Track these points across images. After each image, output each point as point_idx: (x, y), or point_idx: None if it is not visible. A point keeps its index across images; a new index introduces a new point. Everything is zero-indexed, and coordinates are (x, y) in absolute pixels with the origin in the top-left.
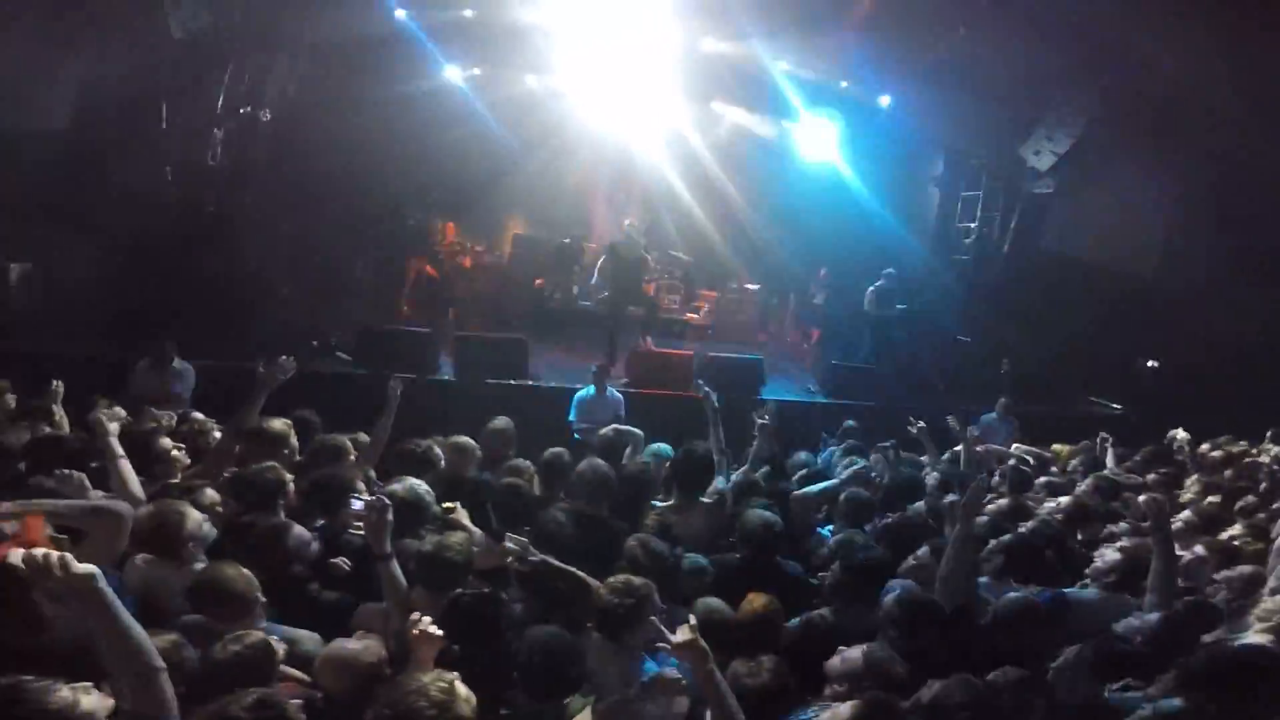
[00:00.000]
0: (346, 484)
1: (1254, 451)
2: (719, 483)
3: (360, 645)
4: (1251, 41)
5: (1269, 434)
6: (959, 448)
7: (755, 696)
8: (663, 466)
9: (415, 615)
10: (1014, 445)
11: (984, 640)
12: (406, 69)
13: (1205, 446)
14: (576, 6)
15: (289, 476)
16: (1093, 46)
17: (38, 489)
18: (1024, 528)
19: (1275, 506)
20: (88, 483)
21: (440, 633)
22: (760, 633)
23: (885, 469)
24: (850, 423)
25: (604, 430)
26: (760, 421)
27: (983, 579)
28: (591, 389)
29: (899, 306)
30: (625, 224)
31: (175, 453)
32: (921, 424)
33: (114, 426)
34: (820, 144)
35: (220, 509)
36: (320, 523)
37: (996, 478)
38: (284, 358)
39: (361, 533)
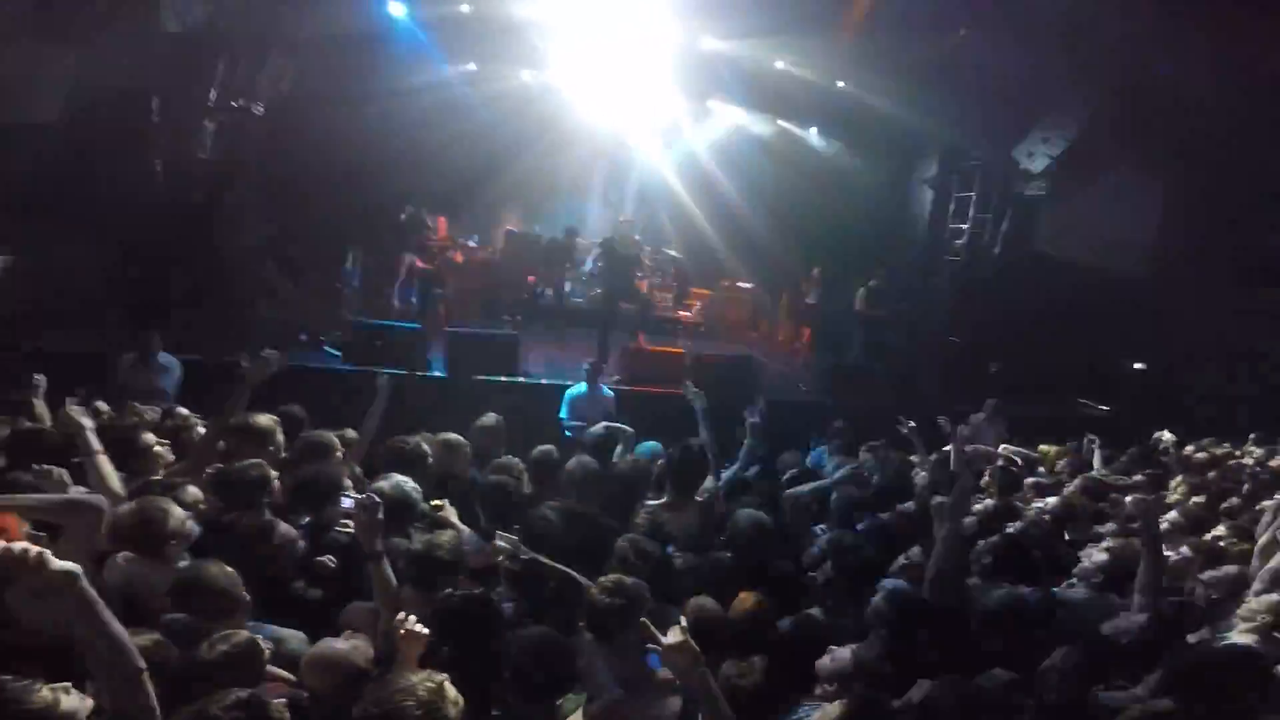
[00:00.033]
0: (333, 481)
1: (1238, 454)
2: (709, 482)
3: (348, 645)
4: (1244, 45)
5: (1252, 437)
6: (948, 448)
7: (746, 697)
8: (653, 464)
9: (401, 614)
10: (1002, 446)
11: (973, 640)
12: (400, 64)
13: (1190, 448)
14: (573, 2)
15: (274, 473)
16: (1088, 50)
17: (16, 484)
18: (1012, 528)
19: (1259, 508)
20: (68, 478)
21: (425, 630)
22: (751, 632)
23: (876, 469)
24: (840, 423)
25: (594, 428)
26: (751, 420)
27: (972, 579)
28: (584, 386)
29: (893, 306)
30: (619, 220)
31: (158, 448)
32: (912, 424)
33: (87, 421)
34: (813, 143)
35: (203, 506)
36: (306, 520)
37: (985, 478)
38: (269, 351)
39: (348, 530)
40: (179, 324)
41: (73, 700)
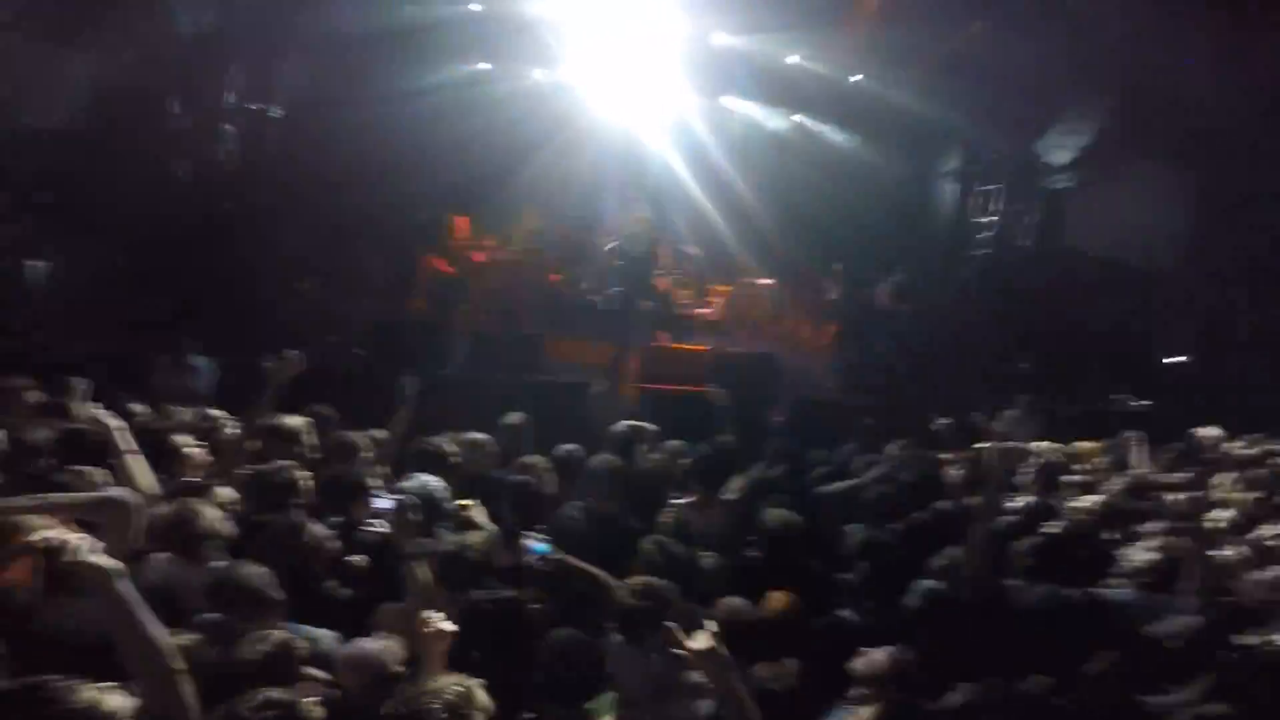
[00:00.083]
0: (361, 482)
1: None
2: (735, 480)
3: (380, 645)
4: (1274, 36)
5: None
6: (980, 445)
7: (779, 700)
8: (676, 462)
9: (426, 613)
10: (1037, 442)
11: (1014, 640)
12: (416, 64)
13: (1235, 443)
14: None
15: (306, 474)
16: (1113, 42)
17: (58, 485)
18: (1053, 526)
19: None
20: (110, 478)
21: (453, 627)
22: (783, 634)
23: (905, 467)
24: (868, 420)
25: (618, 425)
26: (778, 419)
27: (1012, 579)
28: (605, 384)
29: (918, 301)
30: (634, 218)
31: (193, 450)
32: (942, 421)
33: (114, 421)
34: (830, 138)
35: (237, 507)
36: (337, 520)
37: (1022, 476)
38: (290, 352)
39: (378, 529)
40: (207, 326)
41: (116, 700)
